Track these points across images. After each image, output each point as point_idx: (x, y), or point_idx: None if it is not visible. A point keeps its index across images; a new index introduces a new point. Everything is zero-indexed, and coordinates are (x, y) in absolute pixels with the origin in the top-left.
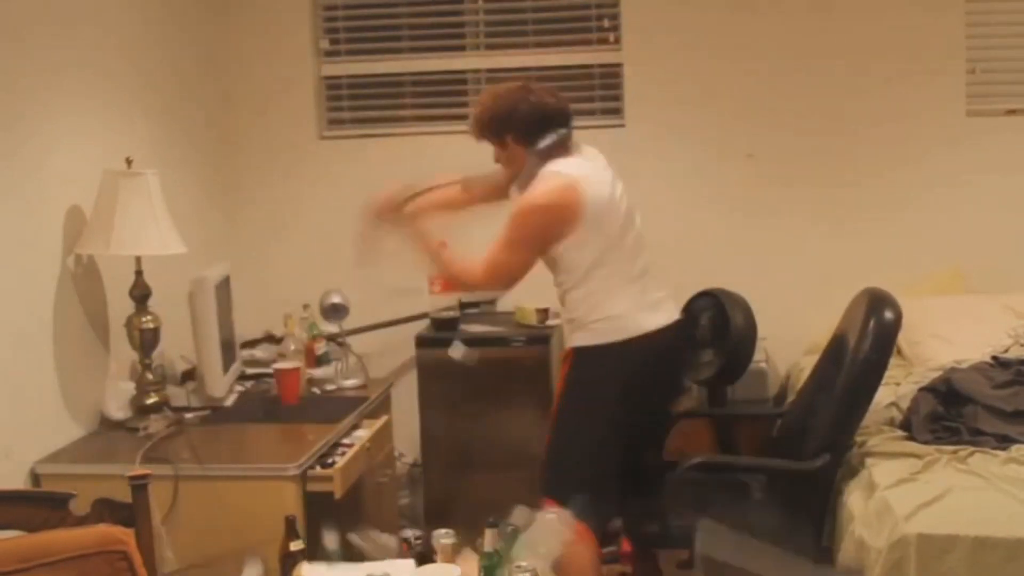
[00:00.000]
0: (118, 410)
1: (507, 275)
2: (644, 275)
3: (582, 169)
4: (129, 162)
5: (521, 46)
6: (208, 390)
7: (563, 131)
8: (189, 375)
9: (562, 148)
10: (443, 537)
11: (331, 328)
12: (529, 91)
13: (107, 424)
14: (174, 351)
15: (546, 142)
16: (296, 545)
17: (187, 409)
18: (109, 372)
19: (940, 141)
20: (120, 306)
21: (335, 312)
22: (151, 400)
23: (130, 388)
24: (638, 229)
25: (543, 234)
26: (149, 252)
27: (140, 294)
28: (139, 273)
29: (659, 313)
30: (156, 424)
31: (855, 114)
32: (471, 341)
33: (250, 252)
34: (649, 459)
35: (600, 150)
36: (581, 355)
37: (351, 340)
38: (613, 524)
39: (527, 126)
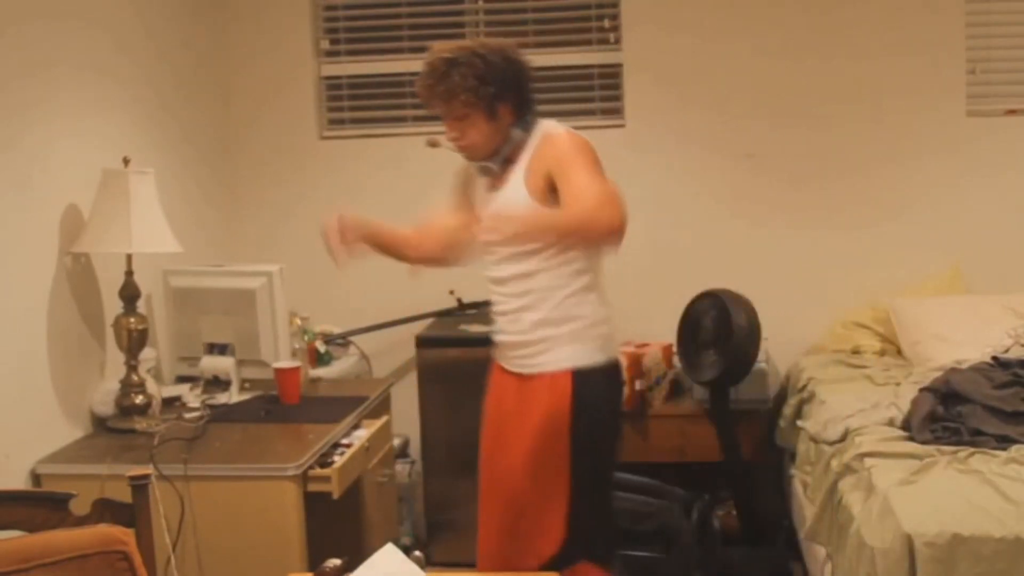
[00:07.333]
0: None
1: (620, 199)
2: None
3: None
4: (127, 161)
5: (521, 46)
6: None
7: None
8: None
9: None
10: None
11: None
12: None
13: (100, 423)
14: (173, 351)
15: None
16: None
17: (188, 409)
18: (104, 372)
19: (940, 141)
20: (117, 306)
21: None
22: (137, 400)
23: (115, 388)
24: None
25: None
26: (145, 251)
27: (129, 295)
28: (129, 273)
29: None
30: (156, 424)
31: (855, 114)
32: (471, 341)
33: (250, 252)
34: None
35: (600, 150)
36: (583, 377)
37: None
38: None
39: (528, 88)
